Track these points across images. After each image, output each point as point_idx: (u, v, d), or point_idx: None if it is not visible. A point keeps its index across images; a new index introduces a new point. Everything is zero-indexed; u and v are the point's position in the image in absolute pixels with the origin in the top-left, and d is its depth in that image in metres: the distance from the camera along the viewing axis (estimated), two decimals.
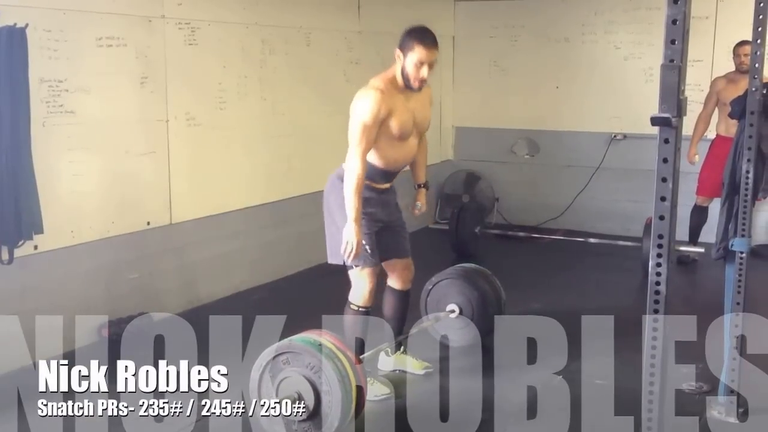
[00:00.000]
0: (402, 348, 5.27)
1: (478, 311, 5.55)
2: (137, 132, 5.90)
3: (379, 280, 4.93)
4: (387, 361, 5.26)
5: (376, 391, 4.80)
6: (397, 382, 5.08)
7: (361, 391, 4.07)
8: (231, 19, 6.63)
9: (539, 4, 9.47)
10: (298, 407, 3.98)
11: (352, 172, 4.55)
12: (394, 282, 5.13)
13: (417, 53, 4.60)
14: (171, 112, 6.11)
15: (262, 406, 4.07)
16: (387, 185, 4.90)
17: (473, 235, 8.34)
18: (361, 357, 4.37)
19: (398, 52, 4.68)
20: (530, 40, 9.52)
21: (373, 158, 4.77)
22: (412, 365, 5.25)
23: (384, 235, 4.90)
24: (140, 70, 5.86)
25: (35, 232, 5.07)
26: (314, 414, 3.97)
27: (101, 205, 5.67)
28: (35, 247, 5.18)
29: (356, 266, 4.76)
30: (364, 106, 4.60)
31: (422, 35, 4.67)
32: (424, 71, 4.64)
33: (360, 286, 4.80)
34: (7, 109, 4.81)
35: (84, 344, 5.58)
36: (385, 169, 4.83)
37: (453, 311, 5.51)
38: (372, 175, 4.77)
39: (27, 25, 4.87)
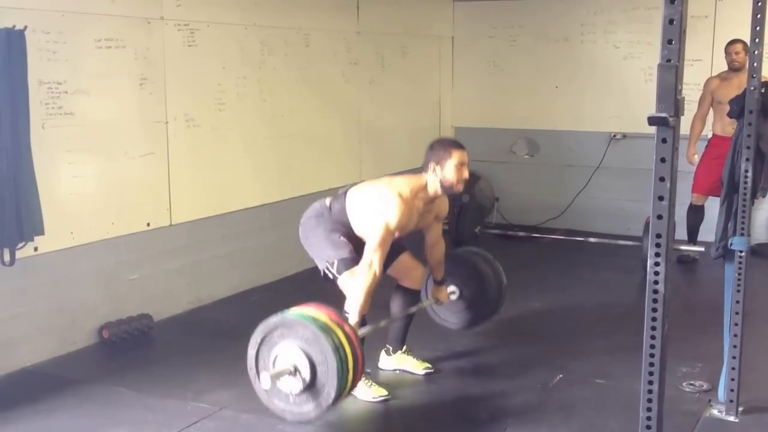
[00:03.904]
0: (404, 348, 5.28)
1: (479, 294, 5.47)
2: (137, 133, 5.91)
3: (384, 286, 4.91)
4: (388, 361, 5.27)
5: (374, 393, 4.80)
6: (398, 382, 5.09)
7: (357, 361, 4.02)
8: (230, 20, 6.64)
9: (538, 4, 9.48)
10: (295, 380, 3.94)
11: (370, 274, 4.54)
12: (404, 283, 5.17)
13: (456, 157, 4.77)
14: (170, 114, 6.12)
15: (260, 381, 4.05)
16: None
17: (473, 235, 8.36)
18: (359, 332, 4.32)
19: (432, 165, 4.79)
20: (529, 40, 9.53)
21: (356, 221, 4.86)
22: (413, 365, 5.26)
23: None
24: (139, 71, 5.86)
25: (36, 234, 5.07)
26: (311, 385, 3.93)
27: (101, 206, 5.68)
28: (36, 249, 5.18)
29: (340, 273, 4.76)
30: (392, 211, 4.66)
31: (453, 141, 4.94)
32: (466, 171, 4.82)
33: (351, 294, 4.73)
34: (7, 111, 4.81)
35: (84, 345, 5.60)
36: (358, 236, 4.88)
37: (453, 293, 5.43)
38: (343, 224, 4.89)
39: (26, 27, 4.87)
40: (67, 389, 4.93)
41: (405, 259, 5.11)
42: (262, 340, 4.09)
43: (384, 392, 4.81)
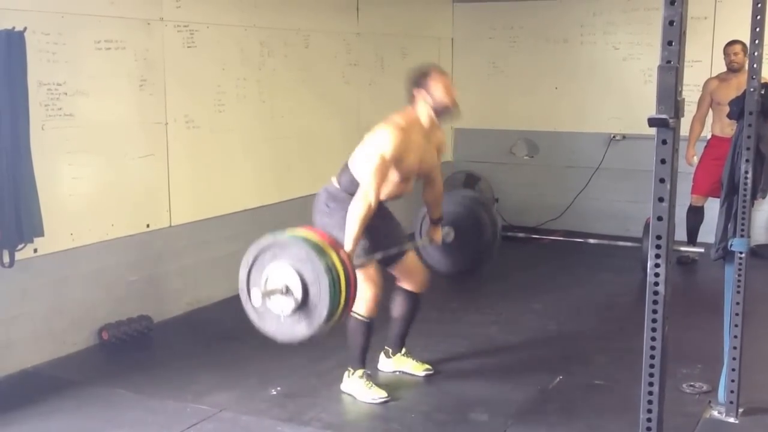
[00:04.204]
0: (403, 350, 5.27)
1: (474, 238, 5.38)
2: (136, 135, 5.91)
3: (386, 287, 4.90)
4: (387, 363, 5.27)
5: (374, 394, 4.80)
6: (397, 384, 5.08)
7: (349, 283, 3.96)
8: (229, 21, 6.64)
9: (538, 6, 9.48)
10: (287, 299, 3.90)
11: (365, 203, 4.48)
12: (406, 284, 5.12)
13: (437, 75, 4.77)
14: (170, 115, 6.12)
15: (251, 299, 4.04)
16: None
17: None
18: (354, 261, 4.26)
19: (417, 91, 4.76)
20: (529, 42, 9.53)
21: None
22: (413, 367, 5.25)
23: (383, 238, 4.85)
24: (139, 72, 5.86)
25: (35, 235, 5.07)
26: (303, 305, 3.87)
27: (101, 207, 5.67)
28: (35, 250, 5.18)
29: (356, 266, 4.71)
30: (386, 140, 4.60)
31: (433, 66, 4.90)
32: (454, 89, 4.82)
33: (362, 294, 4.67)
34: (7, 112, 4.81)
35: (84, 347, 5.60)
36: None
37: (448, 234, 5.30)
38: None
39: (25, 28, 4.87)
40: (66, 391, 4.93)
41: (411, 259, 5.08)
42: (253, 260, 4.06)
43: (384, 393, 4.81)
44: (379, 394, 4.80)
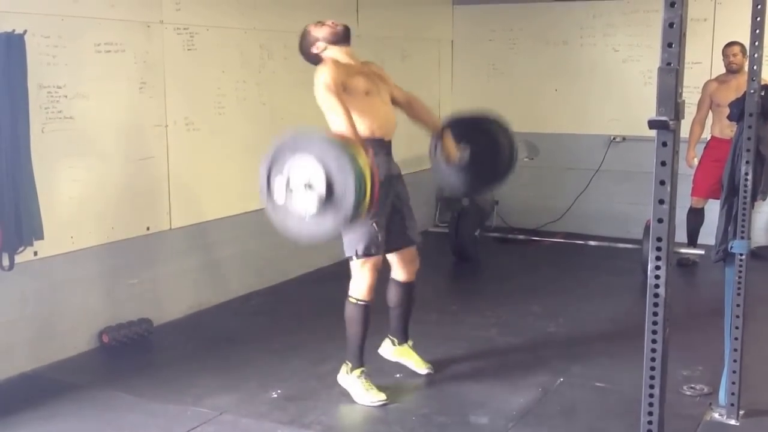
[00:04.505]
0: (410, 342, 5.28)
1: (489, 161, 5.28)
2: (136, 137, 5.90)
3: (381, 275, 4.91)
4: (391, 350, 5.27)
5: (373, 398, 4.80)
6: (397, 386, 5.08)
7: (373, 176, 3.87)
8: (229, 24, 6.64)
9: (537, 8, 9.48)
10: (309, 195, 3.83)
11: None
12: (398, 274, 5.12)
13: (311, 27, 4.98)
14: (170, 118, 6.11)
15: (272, 201, 3.97)
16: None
17: (473, 239, 8.34)
18: None
19: (318, 46, 4.86)
20: (529, 44, 9.54)
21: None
22: (416, 363, 5.25)
23: (391, 222, 4.86)
24: (139, 75, 5.86)
25: (35, 238, 5.06)
26: (327, 199, 3.80)
27: (101, 210, 5.67)
28: (35, 253, 5.17)
29: (365, 256, 4.69)
30: (320, 75, 4.60)
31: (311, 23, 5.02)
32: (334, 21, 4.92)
33: (360, 279, 4.77)
34: (7, 115, 4.81)
35: (84, 350, 5.59)
36: (371, 138, 4.69)
37: (463, 151, 5.18)
38: None
39: (25, 31, 4.87)
40: (66, 394, 4.93)
41: (410, 251, 5.09)
42: (274, 157, 3.97)
43: (383, 396, 4.80)
44: (378, 397, 4.79)
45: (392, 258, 5.06)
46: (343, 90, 4.57)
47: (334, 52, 4.82)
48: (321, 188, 3.81)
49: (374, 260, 4.77)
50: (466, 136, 5.22)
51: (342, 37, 4.86)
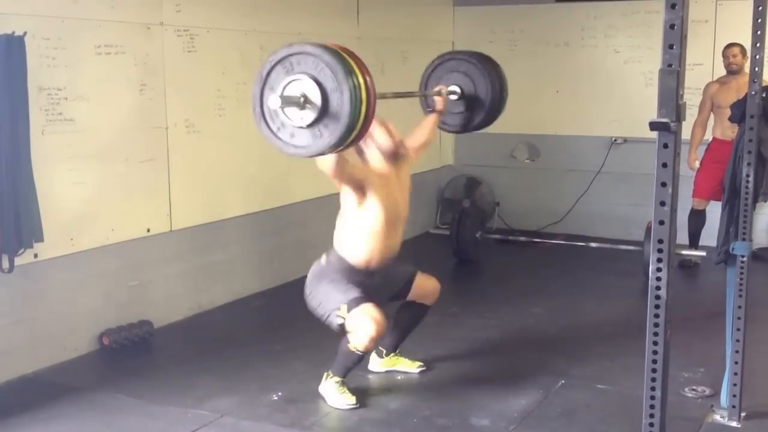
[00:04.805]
0: (396, 350, 5.29)
1: (480, 100, 5.33)
2: (136, 139, 5.90)
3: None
4: (379, 363, 5.28)
5: (344, 400, 4.77)
6: (397, 387, 5.08)
7: (369, 92, 3.80)
8: (230, 25, 6.63)
9: (538, 9, 9.47)
10: (305, 112, 3.76)
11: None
12: (422, 301, 5.17)
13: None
14: (170, 119, 6.11)
15: (266, 122, 3.91)
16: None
17: (474, 240, 8.33)
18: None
19: (360, 149, 4.81)
20: (530, 45, 9.52)
21: (351, 248, 4.78)
22: (406, 365, 5.28)
23: (378, 290, 4.85)
24: (139, 77, 5.85)
25: (35, 241, 5.06)
26: (323, 114, 3.74)
27: (101, 212, 5.66)
28: (35, 256, 5.17)
29: (354, 304, 4.62)
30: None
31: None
32: (388, 124, 4.84)
33: (360, 329, 4.62)
34: (7, 117, 4.81)
35: (84, 352, 5.58)
36: (363, 267, 4.79)
37: (454, 92, 5.28)
38: (344, 269, 4.79)
39: (25, 33, 4.86)
40: (67, 396, 4.92)
41: (420, 281, 5.12)
42: (266, 75, 3.89)
43: (353, 400, 4.77)
44: (348, 401, 4.77)
45: (411, 297, 5.11)
46: (357, 184, 4.66)
47: (379, 163, 4.87)
48: (317, 102, 3.75)
49: (371, 311, 4.62)
50: (456, 72, 5.32)
51: (393, 157, 4.89)
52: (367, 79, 3.81)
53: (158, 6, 5.97)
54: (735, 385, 4.43)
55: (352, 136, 3.83)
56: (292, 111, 3.80)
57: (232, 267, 6.84)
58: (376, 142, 4.80)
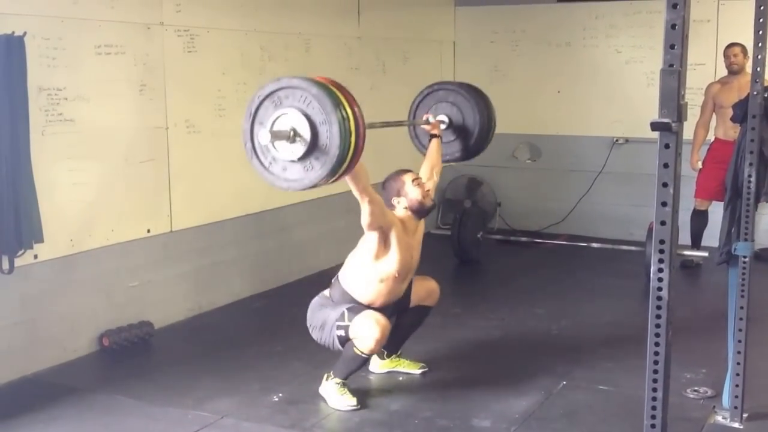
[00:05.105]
0: (398, 351, 5.28)
1: (467, 131, 5.42)
2: (137, 139, 5.89)
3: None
4: (380, 364, 5.27)
5: (345, 401, 4.76)
6: (398, 389, 5.07)
7: (358, 123, 3.84)
8: (230, 25, 6.62)
9: (540, 9, 9.46)
10: (295, 146, 3.81)
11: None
12: (423, 302, 5.18)
13: (408, 176, 4.92)
14: (170, 120, 6.10)
15: (257, 156, 3.97)
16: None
17: (475, 241, 8.32)
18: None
19: (394, 200, 4.91)
20: (531, 45, 9.51)
21: (357, 289, 4.80)
22: (408, 366, 5.27)
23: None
24: (139, 77, 5.84)
25: (35, 241, 5.06)
26: (313, 147, 3.79)
27: (101, 213, 5.65)
28: (35, 257, 5.16)
29: (352, 319, 4.66)
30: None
31: (398, 171, 5.00)
32: (426, 184, 4.98)
33: (365, 333, 4.63)
34: (7, 118, 4.80)
35: (84, 353, 5.57)
36: (365, 305, 4.80)
37: (442, 122, 5.36)
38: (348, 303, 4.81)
39: (25, 33, 4.86)
40: (67, 398, 4.91)
41: (418, 286, 5.13)
42: (256, 109, 3.97)
43: (354, 401, 4.76)
44: (349, 402, 4.76)
45: (412, 303, 5.12)
46: (385, 232, 4.70)
47: (404, 215, 4.91)
48: (306, 135, 3.78)
49: (375, 315, 4.67)
50: (446, 103, 5.42)
51: (420, 213, 4.97)
52: (356, 109, 3.87)
53: (158, 6, 5.96)
54: (737, 386, 4.42)
55: (342, 168, 3.89)
56: (283, 145, 3.86)
57: (233, 268, 6.83)
58: (408, 196, 4.88)
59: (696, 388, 4.91)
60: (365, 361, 4.80)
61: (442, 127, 5.38)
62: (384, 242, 4.70)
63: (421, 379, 5.21)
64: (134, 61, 5.80)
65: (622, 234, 8.95)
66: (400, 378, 5.21)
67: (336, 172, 3.86)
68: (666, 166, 2.38)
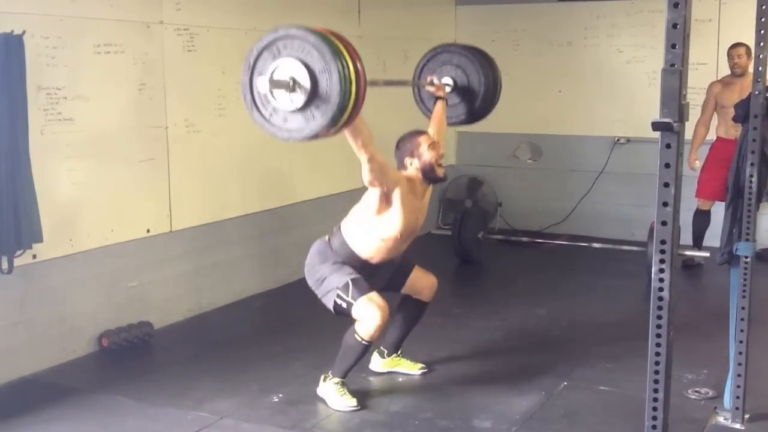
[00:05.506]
0: (398, 351, 5.26)
1: (473, 94, 5.37)
2: (136, 139, 5.87)
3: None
4: (381, 363, 5.26)
5: (345, 402, 4.75)
6: (398, 389, 5.06)
7: (358, 70, 3.79)
8: (230, 24, 6.61)
9: (541, 8, 9.45)
10: (295, 95, 3.76)
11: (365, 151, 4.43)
12: (418, 297, 5.16)
13: (424, 139, 4.87)
14: (170, 119, 6.09)
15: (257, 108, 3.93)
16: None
17: (476, 241, 8.30)
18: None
19: (407, 160, 4.86)
20: (532, 45, 9.49)
21: (357, 243, 4.79)
22: (408, 366, 5.26)
23: (376, 277, 4.87)
24: (139, 76, 5.83)
25: (34, 241, 5.04)
26: (313, 95, 3.74)
27: (100, 213, 5.64)
28: (34, 257, 5.15)
29: (359, 293, 4.65)
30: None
31: (414, 132, 4.95)
32: (440, 148, 4.91)
33: (367, 318, 4.64)
34: (6, 117, 4.79)
35: (83, 354, 5.56)
36: (364, 259, 4.82)
37: (447, 84, 5.33)
38: (347, 255, 4.80)
39: (24, 32, 4.84)
40: (66, 398, 4.89)
41: (416, 275, 5.12)
42: (255, 60, 3.91)
43: (354, 402, 4.75)
44: (349, 402, 4.75)
45: (405, 290, 5.12)
46: (387, 191, 4.65)
47: (414, 176, 4.86)
48: (306, 84, 3.74)
49: (376, 299, 4.66)
50: (451, 65, 5.41)
51: (431, 178, 4.92)
52: (356, 59, 3.81)
53: (158, 5, 5.95)
54: (738, 386, 4.40)
55: (344, 117, 3.81)
56: (282, 95, 3.80)
57: (233, 268, 6.82)
58: (422, 158, 4.84)
59: (697, 389, 4.90)
60: (365, 350, 4.75)
61: (447, 89, 5.32)
62: (386, 200, 4.66)
63: (422, 379, 5.20)
64: (134, 60, 5.79)
65: (623, 234, 8.94)
66: (400, 378, 5.20)
67: (337, 121, 3.79)
68: (667, 166, 2.36)
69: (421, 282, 5.13)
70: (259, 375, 5.25)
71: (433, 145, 4.86)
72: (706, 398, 4.81)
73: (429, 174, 4.86)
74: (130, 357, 5.61)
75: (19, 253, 4.97)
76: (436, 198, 9.72)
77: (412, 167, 4.85)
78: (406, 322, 5.19)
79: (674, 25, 2.30)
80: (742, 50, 7.42)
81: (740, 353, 4.38)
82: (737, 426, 4.42)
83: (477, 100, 5.38)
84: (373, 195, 4.69)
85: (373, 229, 4.74)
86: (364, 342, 4.69)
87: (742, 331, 4.37)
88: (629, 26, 9.00)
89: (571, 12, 9.30)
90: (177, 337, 6.07)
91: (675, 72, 2.31)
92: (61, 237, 5.34)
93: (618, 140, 9.15)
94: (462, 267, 8.26)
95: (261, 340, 5.94)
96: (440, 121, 5.23)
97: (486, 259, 8.37)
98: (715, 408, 4.62)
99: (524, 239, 9.18)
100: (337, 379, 4.79)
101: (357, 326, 4.68)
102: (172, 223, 6.19)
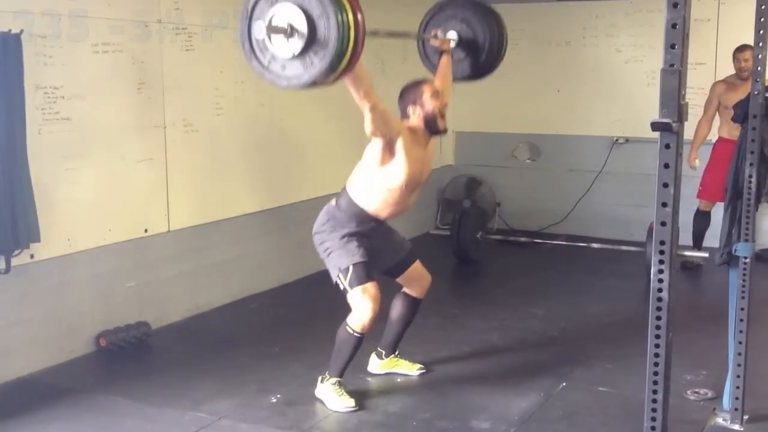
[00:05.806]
0: (396, 352, 5.26)
1: (477, 48, 5.29)
2: (134, 138, 5.86)
3: (382, 305, 4.81)
4: (379, 364, 5.26)
5: (344, 403, 4.74)
6: (397, 390, 5.06)
7: (356, 14, 3.72)
8: (228, 24, 6.58)
9: (540, 8, 9.44)
10: (293, 41, 3.71)
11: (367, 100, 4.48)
12: (410, 291, 5.16)
13: (428, 87, 4.83)
14: (168, 119, 6.07)
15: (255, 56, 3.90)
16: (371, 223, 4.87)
17: (475, 241, 8.30)
18: None
19: (410, 108, 4.83)
20: (531, 44, 9.48)
21: (364, 198, 4.79)
22: (406, 367, 5.26)
23: (381, 254, 4.90)
24: (136, 76, 5.82)
25: (32, 241, 5.03)
26: (311, 41, 3.68)
27: (98, 212, 5.63)
28: (32, 256, 5.14)
29: (360, 282, 4.66)
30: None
31: (418, 80, 4.92)
32: (444, 98, 4.86)
33: (360, 310, 4.68)
34: (3, 116, 4.78)
35: (81, 354, 5.55)
36: (373, 215, 4.82)
37: (452, 39, 5.27)
38: (355, 214, 4.80)
39: (22, 31, 4.83)
40: (63, 398, 4.88)
41: (416, 267, 5.12)
42: (251, 10, 3.90)
43: (352, 402, 4.75)
44: (347, 403, 4.74)
45: (401, 280, 5.11)
46: (393, 131, 4.63)
47: (417, 125, 4.84)
48: (303, 30, 3.70)
49: (373, 291, 4.69)
50: (459, 20, 5.32)
51: (433, 129, 4.86)
52: (356, 7, 3.76)
53: (156, 4, 5.93)
54: (737, 387, 4.39)
55: (343, 64, 3.77)
56: (280, 41, 3.76)
57: (231, 268, 6.81)
58: (425, 107, 4.80)
59: (696, 390, 4.89)
60: (358, 343, 4.74)
61: (452, 45, 5.27)
62: (389, 150, 4.64)
63: (420, 380, 5.20)
64: (132, 60, 5.77)
65: (622, 234, 8.93)
66: (398, 379, 5.20)
67: (336, 67, 3.75)
68: (666, 166, 2.36)
69: (417, 276, 5.13)
70: (257, 375, 5.24)
71: (436, 94, 4.81)
72: (705, 399, 4.81)
73: (431, 124, 4.81)
74: (128, 357, 5.60)
75: (16, 252, 4.97)
76: (434, 198, 9.72)
77: (415, 116, 4.81)
78: (400, 320, 5.19)
79: (673, 25, 2.29)
80: (748, 54, 7.33)
81: (739, 354, 4.37)
82: (736, 427, 4.42)
83: (482, 55, 5.29)
84: (376, 146, 4.66)
85: (379, 181, 4.72)
86: (356, 334, 4.69)
87: (741, 331, 4.36)
88: (628, 26, 9.00)
89: (570, 12, 9.30)
90: (175, 337, 6.06)
91: (674, 72, 2.30)
92: (58, 236, 5.33)
93: (617, 140, 9.15)
94: (460, 267, 8.26)
95: (259, 340, 5.93)
96: (445, 75, 5.19)
97: (484, 259, 8.37)
98: (714, 409, 4.62)
99: (523, 239, 9.17)
100: (334, 380, 4.78)
101: (348, 319, 4.71)
102: (170, 223, 6.18)
